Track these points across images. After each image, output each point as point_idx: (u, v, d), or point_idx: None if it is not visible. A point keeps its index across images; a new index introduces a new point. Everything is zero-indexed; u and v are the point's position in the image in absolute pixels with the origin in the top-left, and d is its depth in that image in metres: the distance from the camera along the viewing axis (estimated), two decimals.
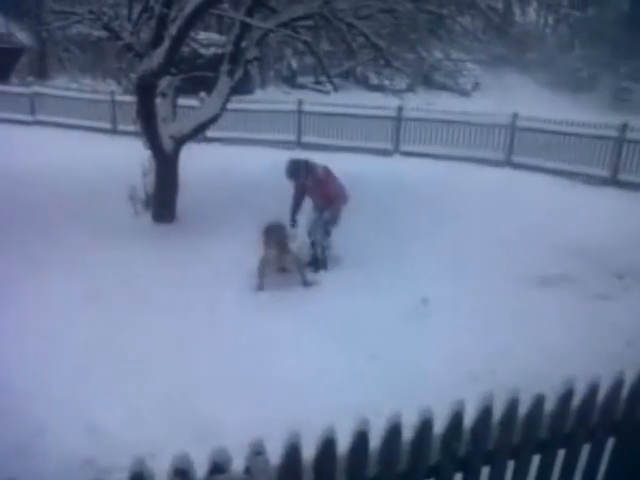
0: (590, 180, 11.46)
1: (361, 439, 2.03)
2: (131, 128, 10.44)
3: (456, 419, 2.19)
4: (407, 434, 2.12)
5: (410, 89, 15.80)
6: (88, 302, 5.53)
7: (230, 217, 8.03)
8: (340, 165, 7.09)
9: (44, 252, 6.60)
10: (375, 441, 2.08)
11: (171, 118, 8.27)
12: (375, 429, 2.06)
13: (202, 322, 5.27)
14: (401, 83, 15.00)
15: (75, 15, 7.64)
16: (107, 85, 18.14)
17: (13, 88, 16.46)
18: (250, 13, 7.64)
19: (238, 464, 1.86)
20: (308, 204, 6.83)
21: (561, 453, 2.55)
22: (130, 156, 8.40)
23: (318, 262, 6.70)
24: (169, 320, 5.22)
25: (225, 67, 7.98)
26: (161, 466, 1.84)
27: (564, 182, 11.32)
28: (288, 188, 6.71)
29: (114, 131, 14.82)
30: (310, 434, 1.98)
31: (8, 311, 5.21)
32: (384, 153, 13.44)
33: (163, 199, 8.06)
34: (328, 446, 1.98)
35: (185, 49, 10.62)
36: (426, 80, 21.44)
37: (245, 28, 7.73)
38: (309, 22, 8.00)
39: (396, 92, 12.93)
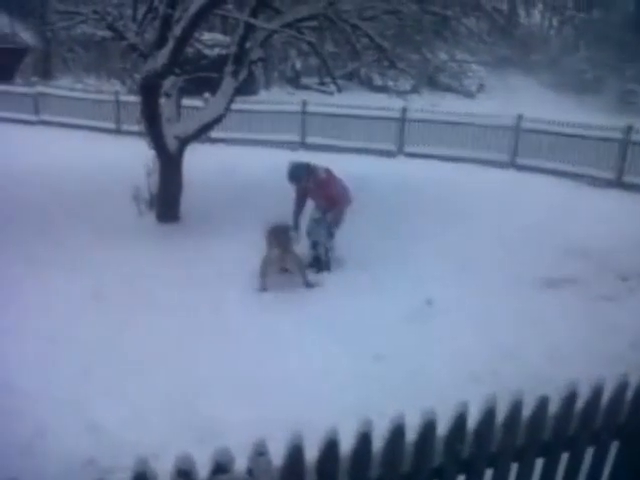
0: (595, 182, 11.44)
1: (364, 440, 2.02)
2: (135, 128, 10.44)
3: (459, 421, 2.18)
4: (410, 435, 2.11)
5: (414, 90, 15.76)
6: (90, 302, 5.53)
7: (234, 217, 8.02)
8: (344, 166, 7.09)
9: (46, 252, 6.59)
10: (378, 442, 2.07)
11: (175, 118, 8.26)
12: (378, 430, 2.05)
13: (205, 322, 5.26)
14: (405, 84, 14.95)
15: (79, 15, 7.67)
16: (111, 85, 18.12)
17: (17, 88, 16.52)
18: (254, 14, 7.65)
19: (241, 464, 1.86)
20: (309, 207, 6.81)
21: (565, 456, 2.54)
22: (134, 156, 8.39)
23: (320, 263, 6.68)
24: (172, 320, 5.21)
25: (229, 68, 8.00)
26: (163, 466, 1.83)
27: (569, 184, 11.31)
28: (291, 189, 6.70)
29: (118, 131, 14.83)
30: (313, 435, 1.97)
31: (9, 311, 5.20)
32: (388, 154, 13.43)
33: (167, 199, 8.06)
34: (331, 447, 1.97)
35: (189, 50, 10.62)
36: (431, 81, 21.43)
37: (249, 29, 7.74)
38: (313, 23, 8.00)
39: (400, 93, 12.87)
